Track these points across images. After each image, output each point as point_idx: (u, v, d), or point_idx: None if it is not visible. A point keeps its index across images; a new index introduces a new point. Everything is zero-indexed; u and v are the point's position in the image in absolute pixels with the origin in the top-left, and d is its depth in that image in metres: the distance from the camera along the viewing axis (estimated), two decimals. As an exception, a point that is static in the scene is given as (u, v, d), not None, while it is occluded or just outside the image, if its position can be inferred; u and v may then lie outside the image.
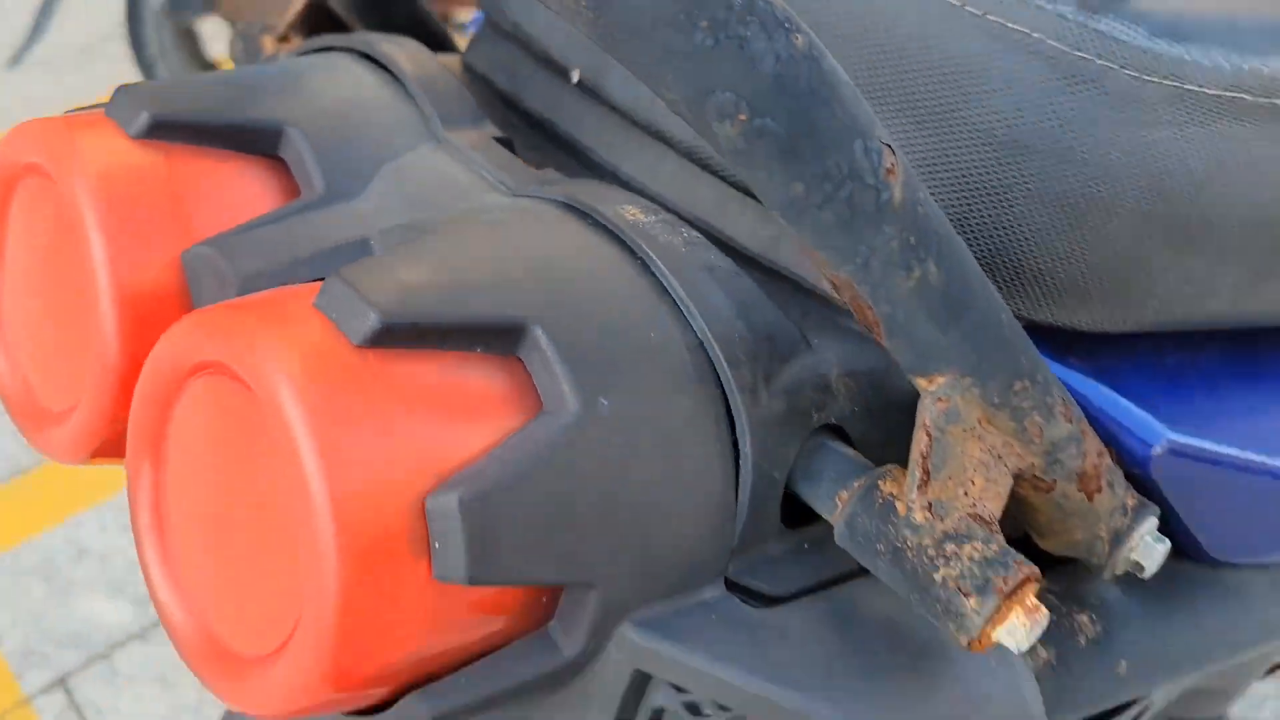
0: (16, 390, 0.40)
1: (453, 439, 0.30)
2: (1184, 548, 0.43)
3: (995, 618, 0.32)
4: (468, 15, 1.54)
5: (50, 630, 1.31)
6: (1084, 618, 0.41)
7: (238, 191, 0.39)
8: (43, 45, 1.75)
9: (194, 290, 0.37)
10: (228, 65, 1.83)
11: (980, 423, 0.33)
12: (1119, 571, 0.38)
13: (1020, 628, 0.32)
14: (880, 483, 0.33)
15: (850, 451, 0.36)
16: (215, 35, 1.92)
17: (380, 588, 0.29)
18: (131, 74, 1.95)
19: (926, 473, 0.32)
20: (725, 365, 0.34)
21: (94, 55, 2.39)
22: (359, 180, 0.39)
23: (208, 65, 1.81)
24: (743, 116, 0.27)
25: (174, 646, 0.34)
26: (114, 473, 1.47)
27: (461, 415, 0.31)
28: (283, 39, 0.55)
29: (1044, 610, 0.32)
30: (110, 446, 0.38)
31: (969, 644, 0.32)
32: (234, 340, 0.30)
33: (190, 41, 1.78)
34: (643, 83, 0.28)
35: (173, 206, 0.37)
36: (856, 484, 0.34)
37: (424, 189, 0.39)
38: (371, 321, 0.29)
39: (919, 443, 0.33)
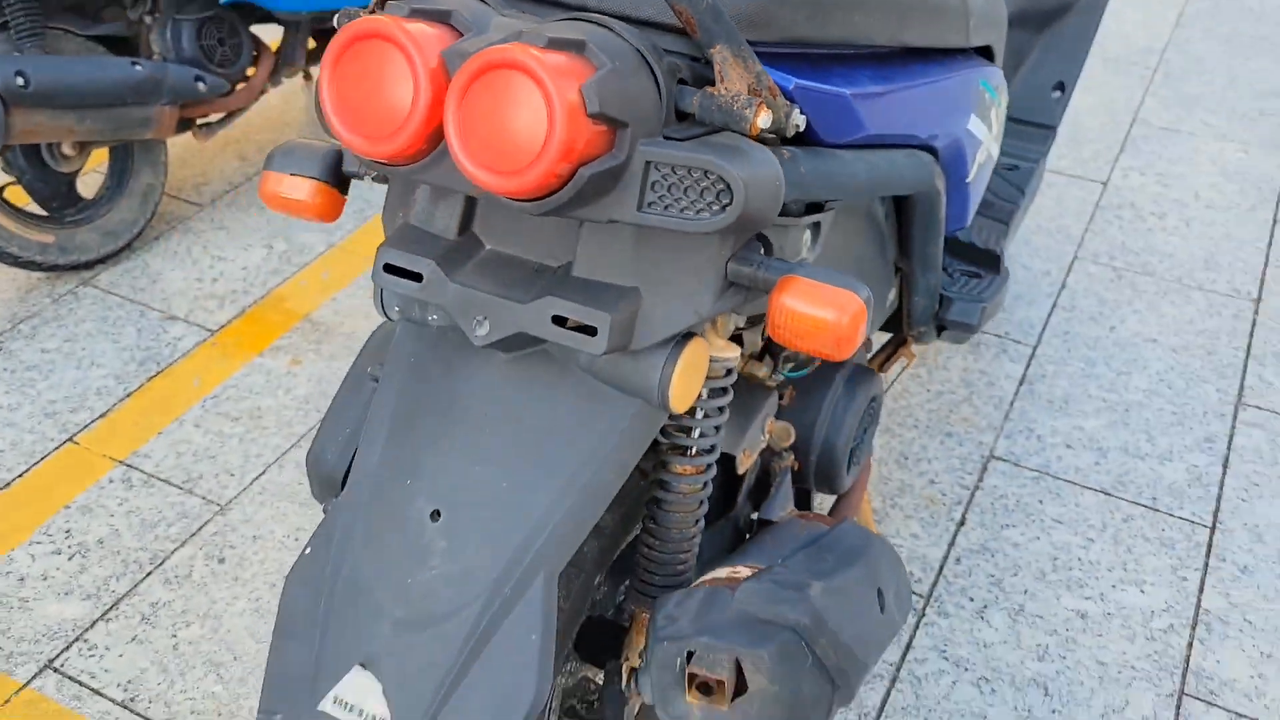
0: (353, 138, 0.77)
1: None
2: (816, 138, 0.91)
3: (757, 119, 0.77)
4: None
5: (21, 634, 1.53)
6: (784, 151, 0.87)
7: (441, 37, 0.78)
8: None
9: (450, 64, 0.75)
10: None
11: (733, 66, 0.79)
12: (789, 134, 0.84)
13: (768, 118, 0.77)
14: (711, 89, 0.78)
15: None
16: None
17: (573, 128, 0.71)
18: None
19: (722, 78, 0.77)
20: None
21: None
22: (480, 27, 0.79)
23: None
24: None
25: (465, 171, 0.73)
26: (40, 506, 1.70)
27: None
28: None
29: (781, 106, 0.78)
30: (412, 152, 0.76)
31: (749, 130, 0.77)
32: (514, 64, 0.71)
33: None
34: None
35: (435, 39, 0.76)
36: (708, 89, 0.78)
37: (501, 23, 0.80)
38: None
39: (717, 66, 0.78)
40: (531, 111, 0.70)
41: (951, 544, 1.68)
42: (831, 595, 0.92)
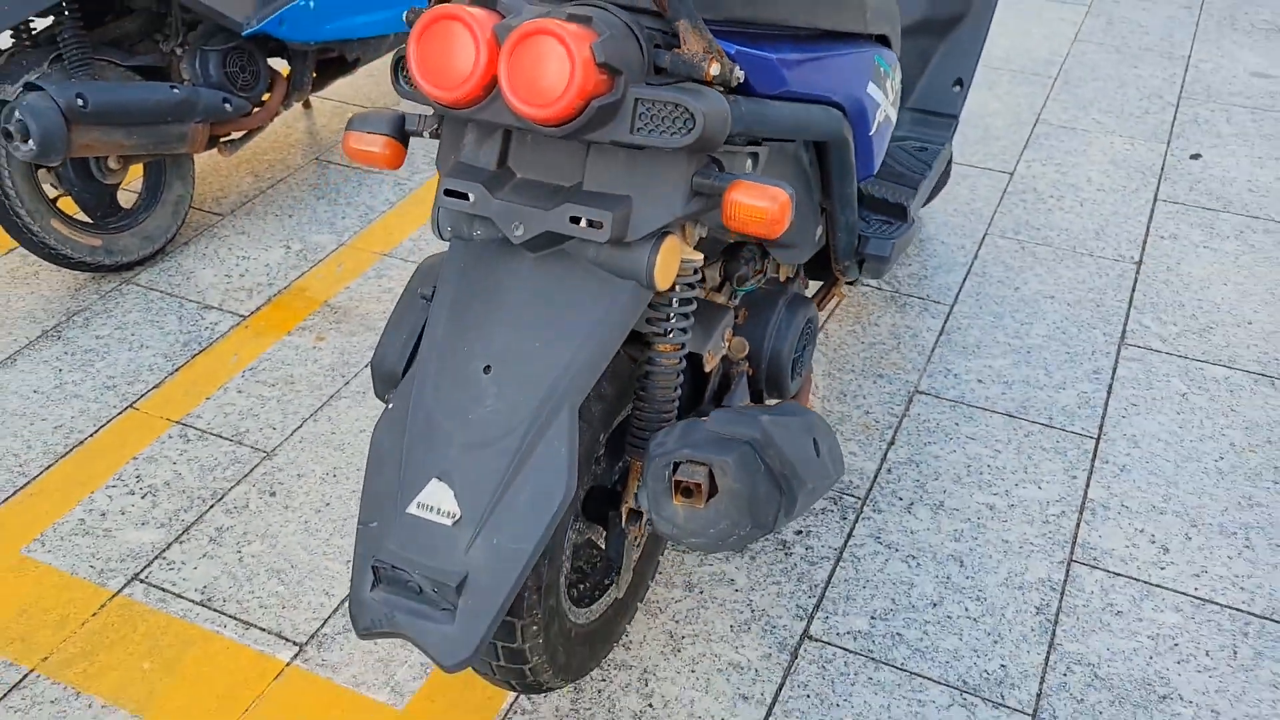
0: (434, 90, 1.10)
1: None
2: (752, 91, 1.25)
3: (710, 70, 1.11)
4: None
5: (108, 556, 1.82)
6: (729, 96, 1.21)
7: (491, 17, 1.11)
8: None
9: (500, 35, 1.08)
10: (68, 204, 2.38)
11: (692, 35, 1.13)
12: (733, 85, 1.19)
13: (718, 69, 1.12)
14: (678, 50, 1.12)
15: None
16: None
17: (587, 73, 1.05)
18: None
19: (684, 43, 1.12)
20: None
21: None
22: (518, 10, 1.13)
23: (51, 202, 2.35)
24: None
25: (513, 108, 1.07)
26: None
27: None
28: None
29: (726, 64, 1.12)
30: (473, 98, 1.10)
31: (705, 78, 1.11)
32: (547, 34, 1.05)
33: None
34: None
35: (488, 19, 1.10)
36: (675, 50, 1.12)
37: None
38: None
39: (681, 35, 1.12)
40: (559, 62, 1.04)
41: (884, 459, 2.02)
42: (776, 426, 1.25)
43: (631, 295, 1.20)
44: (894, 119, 1.66)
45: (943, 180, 2.56)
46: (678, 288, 1.30)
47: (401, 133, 1.27)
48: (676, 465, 1.21)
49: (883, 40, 1.60)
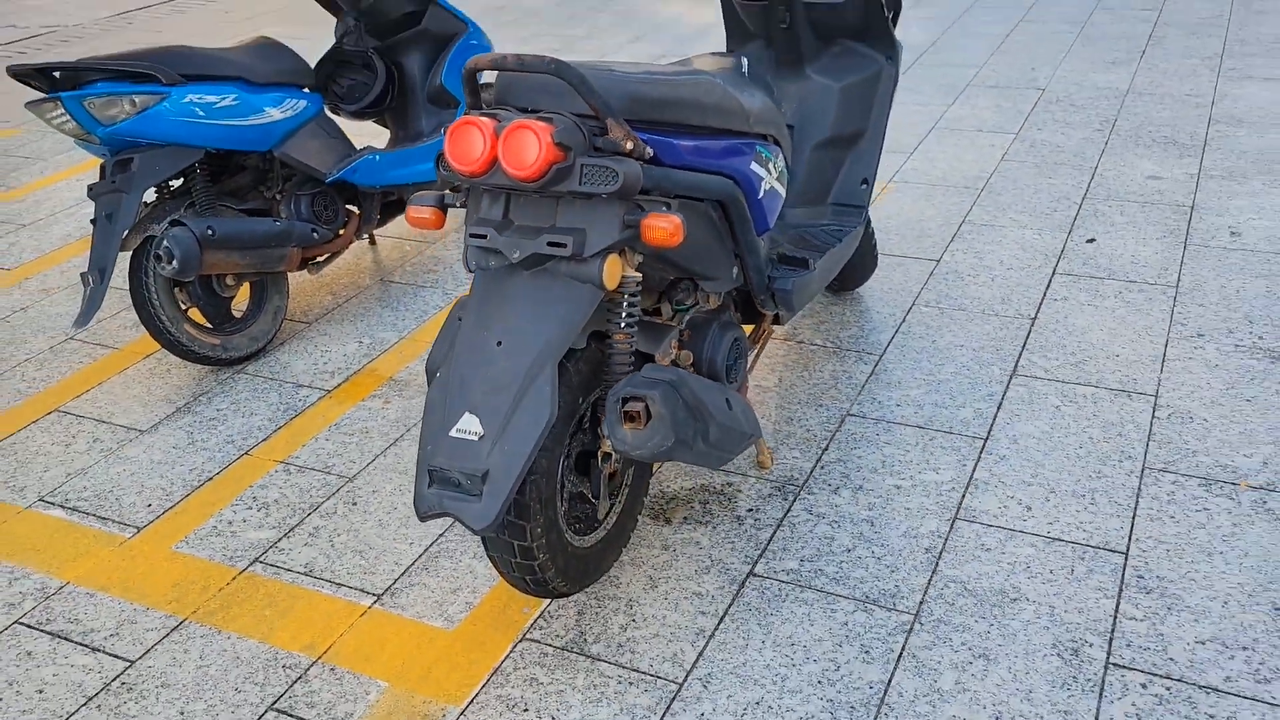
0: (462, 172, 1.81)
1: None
2: (662, 163, 1.94)
3: (627, 146, 1.81)
4: None
5: (235, 547, 2.46)
6: (641, 164, 1.88)
7: (494, 120, 1.82)
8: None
9: (498, 130, 1.79)
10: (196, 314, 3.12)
11: (616, 127, 1.83)
12: (646, 158, 1.88)
13: (633, 146, 1.81)
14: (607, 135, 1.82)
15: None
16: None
17: (550, 149, 1.74)
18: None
19: (610, 131, 1.82)
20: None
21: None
22: (509, 117, 1.85)
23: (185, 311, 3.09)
24: None
25: (507, 173, 1.77)
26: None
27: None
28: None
29: (640, 145, 1.81)
30: (482, 169, 1.81)
31: (625, 151, 1.80)
32: (525, 128, 1.75)
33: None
34: None
35: (491, 122, 1.81)
36: (605, 135, 1.82)
37: None
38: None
39: (609, 127, 1.82)
40: (532, 143, 1.74)
41: (819, 460, 2.62)
42: (690, 377, 1.89)
43: (589, 293, 1.86)
44: (781, 191, 2.34)
45: (872, 265, 3.23)
46: (626, 296, 1.97)
47: (442, 205, 1.98)
48: (625, 400, 1.85)
49: (769, 137, 2.29)
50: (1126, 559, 2.24)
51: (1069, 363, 2.93)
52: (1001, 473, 2.53)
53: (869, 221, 3.11)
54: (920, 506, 2.44)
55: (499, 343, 1.85)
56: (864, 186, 2.88)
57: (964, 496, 2.46)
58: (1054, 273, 3.40)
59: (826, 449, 2.66)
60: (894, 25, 2.93)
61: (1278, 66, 5.05)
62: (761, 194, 2.22)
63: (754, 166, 2.17)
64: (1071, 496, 2.44)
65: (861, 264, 3.20)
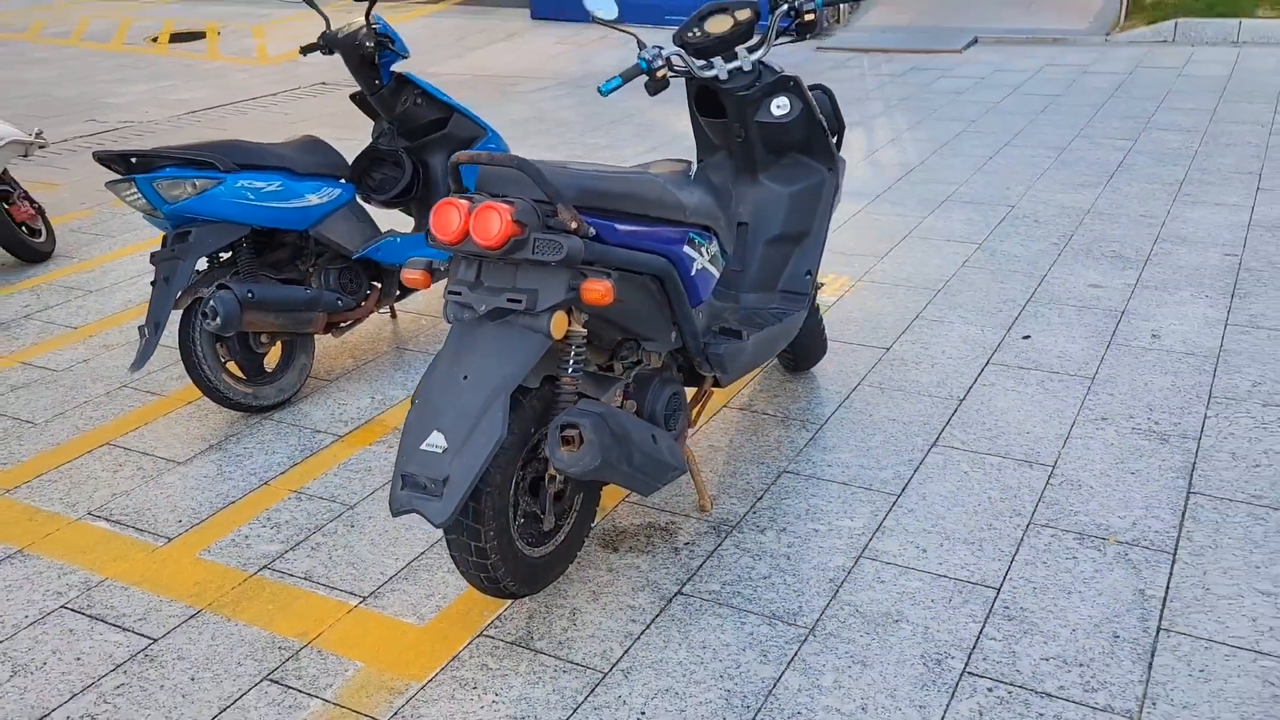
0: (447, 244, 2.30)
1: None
2: (604, 242, 2.42)
3: (571, 225, 2.29)
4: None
5: (260, 558, 2.92)
6: (584, 241, 2.36)
7: (469, 202, 2.33)
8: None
9: (471, 209, 2.28)
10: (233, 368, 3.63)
11: (565, 209, 2.31)
12: (589, 237, 2.37)
13: (576, 226, 2.30)
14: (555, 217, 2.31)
15: None
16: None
17: (509, 225, 2.23)
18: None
19: (559, 214, 2.30)
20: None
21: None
22: (479, 201, 2.36)
23: (226, 367, 3.59)
24: None
25: (476, 242, 2.25)
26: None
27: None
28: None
29: (583, 225, 2.30)
30: (458, 239, 2.28)
31: (570, 229, 2.29)
32: (491, 208, 2.25)
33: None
34: None
35: (467, 203, 2.31)
36: (554, 217, 2.31)
37: None
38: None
39: (559, 210, 2.31)
40: (496, 220, 2.23)
41: (752, 506, 3.03)
42: (618, 411, 2.34)
43: (539, 341, 2.32)
44: (713, 271, 2.80)
45: (821, 348, 3.69)
46: (572, 346, 2.43)
47: (431, 269, 2.47)
48: (563, 427, 2.30)
49: (706, 227, 2.77)
50: (998, 594, 2.63)
51: (984, 436, 3.34)
52: (907, 522, 2.93)
53: (818, 310, 3.58)
54: (832, 546, 2.84)
55: (465, 377, 2.32)
56: (808, 277, 3.34)
57: (871, 539, 2.86)
58: (988, 363, 3.83)
59: (761, 498, 3.07)
60: (838, 144, 3.43)
61: (1229, 193, 5.51)
62: (694, 272, 2.69)
63: (687, 249, 2.65)
64: (962, 543, 2.83)
65: (812, 347, 3.65)
